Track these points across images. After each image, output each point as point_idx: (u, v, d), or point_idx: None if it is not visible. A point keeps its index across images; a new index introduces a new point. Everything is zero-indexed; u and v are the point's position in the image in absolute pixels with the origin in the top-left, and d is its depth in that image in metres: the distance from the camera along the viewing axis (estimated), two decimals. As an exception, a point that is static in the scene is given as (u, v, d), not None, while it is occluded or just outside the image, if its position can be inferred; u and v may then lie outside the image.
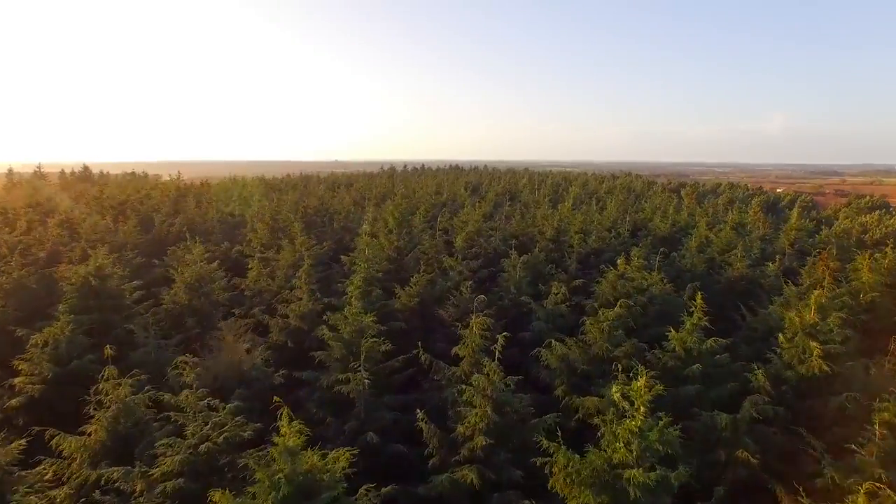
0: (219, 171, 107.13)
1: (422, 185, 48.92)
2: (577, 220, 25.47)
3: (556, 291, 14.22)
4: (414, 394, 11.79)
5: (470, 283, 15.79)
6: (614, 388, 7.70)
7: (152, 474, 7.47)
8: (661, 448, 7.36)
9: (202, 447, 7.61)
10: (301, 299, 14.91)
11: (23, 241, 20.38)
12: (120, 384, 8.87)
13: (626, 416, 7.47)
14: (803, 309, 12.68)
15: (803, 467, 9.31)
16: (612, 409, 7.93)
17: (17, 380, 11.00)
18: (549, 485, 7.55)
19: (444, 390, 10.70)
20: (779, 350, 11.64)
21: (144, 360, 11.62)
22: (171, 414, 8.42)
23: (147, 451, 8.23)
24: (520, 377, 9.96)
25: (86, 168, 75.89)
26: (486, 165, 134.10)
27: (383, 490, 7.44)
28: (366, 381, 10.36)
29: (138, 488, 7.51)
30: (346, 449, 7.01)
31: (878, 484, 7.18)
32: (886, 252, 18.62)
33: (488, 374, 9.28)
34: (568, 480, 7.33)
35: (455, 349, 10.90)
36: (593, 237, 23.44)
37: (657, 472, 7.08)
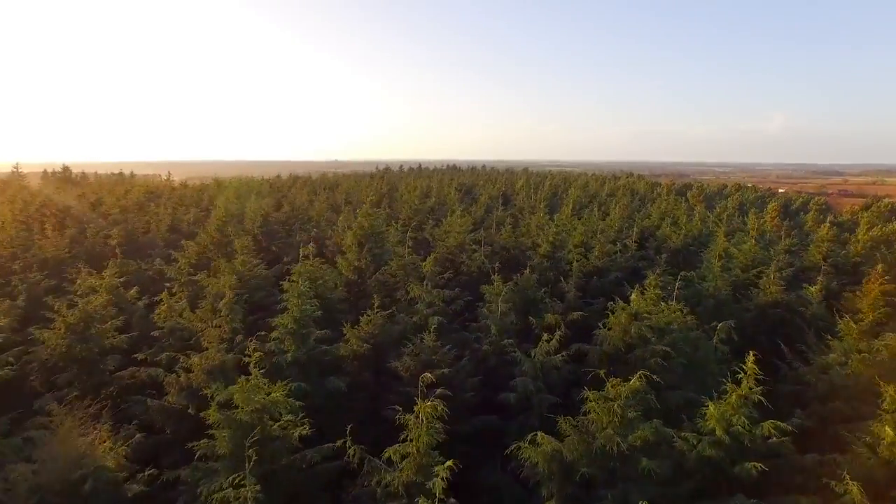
0: (219, 172, 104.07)
1: (408, 188, 44.87)
2: (576, 229, 21.90)
3: (547, 339, 10.65)
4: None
5: (438, 319, 12.25)
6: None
7: None
8: None
9: None
10: (212, 344, 11.34)
11: None
12: None
13: None
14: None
15: None
16: None
17: None
18: None
19: (378, 505, 7.18)
20: (867, 438, 8.09)
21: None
22: None
23: None
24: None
25: (65, 168, 72.61)
26: (484, 165, 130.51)
27: None
28: (257, 494, 6.84)
29: None
30: None
31: None
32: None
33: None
34: None
35: (393, 448, 7.33)
36: (596, 252, 19.88)
37: None
